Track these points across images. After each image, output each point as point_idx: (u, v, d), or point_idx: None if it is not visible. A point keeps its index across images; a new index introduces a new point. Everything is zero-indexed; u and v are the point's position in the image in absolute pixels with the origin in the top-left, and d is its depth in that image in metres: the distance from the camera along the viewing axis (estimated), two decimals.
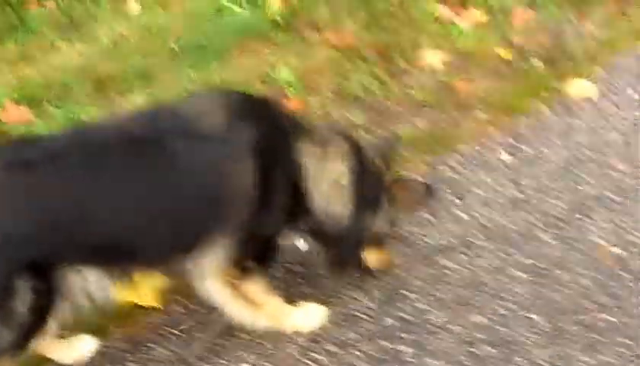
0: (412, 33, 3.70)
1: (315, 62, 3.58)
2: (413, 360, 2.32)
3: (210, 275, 2.23)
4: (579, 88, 3.27)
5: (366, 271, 2.54)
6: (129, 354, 2.39)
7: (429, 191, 2.62)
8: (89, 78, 3.63)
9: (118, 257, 2.09)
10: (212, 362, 2.35)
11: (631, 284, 2.51)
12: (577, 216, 2.74)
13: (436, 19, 3.74)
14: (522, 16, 3.69)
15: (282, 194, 2.20)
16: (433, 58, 3.56)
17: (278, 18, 3.81)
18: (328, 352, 2.36)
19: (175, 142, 2.04)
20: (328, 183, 2.29)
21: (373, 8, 3.84)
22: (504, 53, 3.52)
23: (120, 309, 2.50)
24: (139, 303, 2.52)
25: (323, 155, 2.29)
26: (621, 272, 2.54)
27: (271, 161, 2.15)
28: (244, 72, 3.57)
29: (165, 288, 2.57)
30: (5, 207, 1.93)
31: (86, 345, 2.41)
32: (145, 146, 2.04)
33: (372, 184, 2.39)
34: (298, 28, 3.78)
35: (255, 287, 2.31)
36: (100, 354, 2.39)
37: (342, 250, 2.44)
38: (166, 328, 2.50)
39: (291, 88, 3.42)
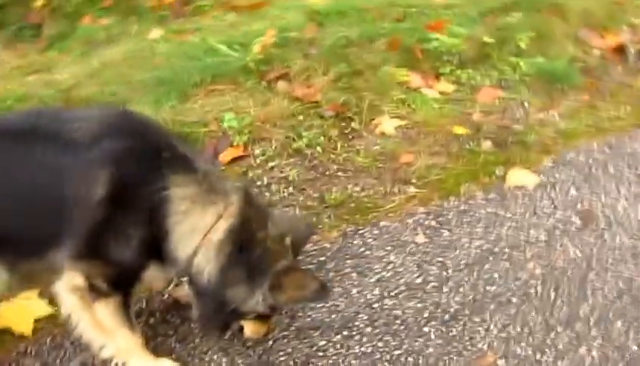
0: (376, 97, 3.60)
1: (273, 111, 3.53)
2: None
3: (61, 279, 2.19)
4: (520, 178, 3.06)
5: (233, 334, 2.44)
6: None
7: (321, 291, 2.34)
8: (66, 99, 3.72)
9: None
10: None
11: None
12: (469, 315, 2.54)
13: (402, 85, 3.63)
14: (489, 94, 3.53)
15: (133, 219, 2.12)
16: (387, 125, 3.44)
17: (251, 64, 3.80)
18: None
19: (42, 140, 2.11)
20: (192, 230, 2.16)
21: (346, 67, 3.76)
22: (460, 130, 3.36)
23: None
24: (11, 329, 2.50)
25: (202, 200, 2.17)
26: None
27: (128, 180, 2.10)
28: (201, 113, 3.56)
29: (41, 318, 2.56)
30: None
31: None
32: (13, 138, 2.13)
33: (253, 256, 2.21)
34: (268, 76, 3.74)
35: (106, 311, 2.21)
36: None
37: (200, 310, 2.32)
38: (33, 357, 2.48)
39: (238, 135, 3.38)
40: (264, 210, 2.37)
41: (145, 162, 2.13)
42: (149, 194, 2.10)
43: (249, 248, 2.21)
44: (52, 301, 2.53)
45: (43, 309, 2.54)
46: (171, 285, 2.61)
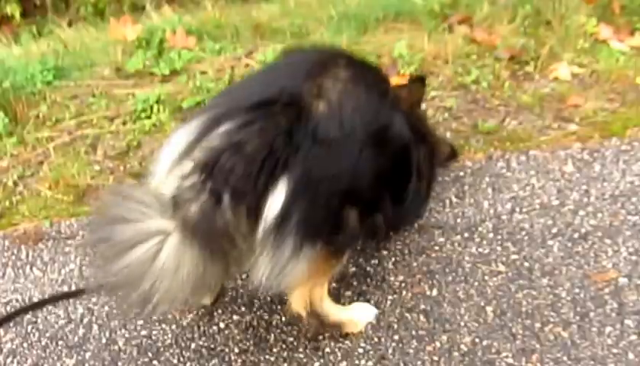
0: (558, 44, 3.76)
1: (447, 49, 3.85)
2: None
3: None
4: None
5: None
6: None
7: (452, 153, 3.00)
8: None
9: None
10: None
11: None
12: (601, 236, 2.65)
13: (590, 37, 3.75)
14: None
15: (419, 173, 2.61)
16: (564, 71, 3.59)
17: (436, 6, 4.16)
18: None
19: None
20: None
21: (533, 16, 3.96)
22: None
23: None
24: None
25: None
26: None
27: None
28: (376, 45, 3.98)
29: None
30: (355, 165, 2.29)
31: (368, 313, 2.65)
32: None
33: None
34: (450, 19, 4.07)
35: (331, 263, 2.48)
36: None
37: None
38: None
39: (406, 66, 3.76)
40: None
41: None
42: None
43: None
44: None
45: None
46: None
